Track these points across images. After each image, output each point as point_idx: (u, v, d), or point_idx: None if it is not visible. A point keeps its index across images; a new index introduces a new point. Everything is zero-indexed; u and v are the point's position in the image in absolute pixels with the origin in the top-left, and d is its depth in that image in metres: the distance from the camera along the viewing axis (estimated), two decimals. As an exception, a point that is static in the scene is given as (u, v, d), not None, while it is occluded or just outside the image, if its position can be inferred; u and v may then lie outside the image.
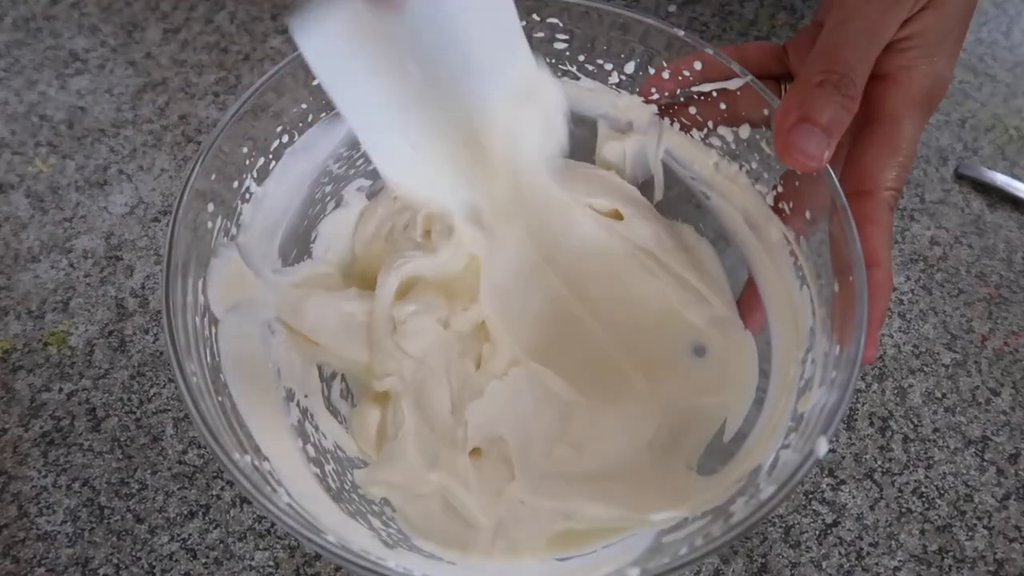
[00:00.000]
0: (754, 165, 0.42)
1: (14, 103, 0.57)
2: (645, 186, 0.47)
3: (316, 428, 0.41)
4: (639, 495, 0.39)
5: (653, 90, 0.44)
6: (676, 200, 0.46)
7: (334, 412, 0.42)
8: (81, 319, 0.49)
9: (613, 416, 0.41)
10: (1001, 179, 0.56)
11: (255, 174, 0.41)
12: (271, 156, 0.42)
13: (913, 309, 0.51)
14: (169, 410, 0.46)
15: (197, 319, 0.37)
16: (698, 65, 0.42)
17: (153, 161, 0.55)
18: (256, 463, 0.34)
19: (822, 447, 0.33)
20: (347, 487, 0.40)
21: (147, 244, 0.52)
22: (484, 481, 0.40)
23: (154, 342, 0.48)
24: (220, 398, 0.35)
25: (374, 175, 0.46)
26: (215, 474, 0.44)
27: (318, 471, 0.39)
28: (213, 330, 0.38)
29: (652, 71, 0.43)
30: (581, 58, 0.45)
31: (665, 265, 0.44)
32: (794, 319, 0.40)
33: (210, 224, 0.38)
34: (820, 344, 0.37)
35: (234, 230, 0.40)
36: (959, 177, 0.57)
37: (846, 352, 0.35)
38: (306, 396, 0.42)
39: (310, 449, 0.39)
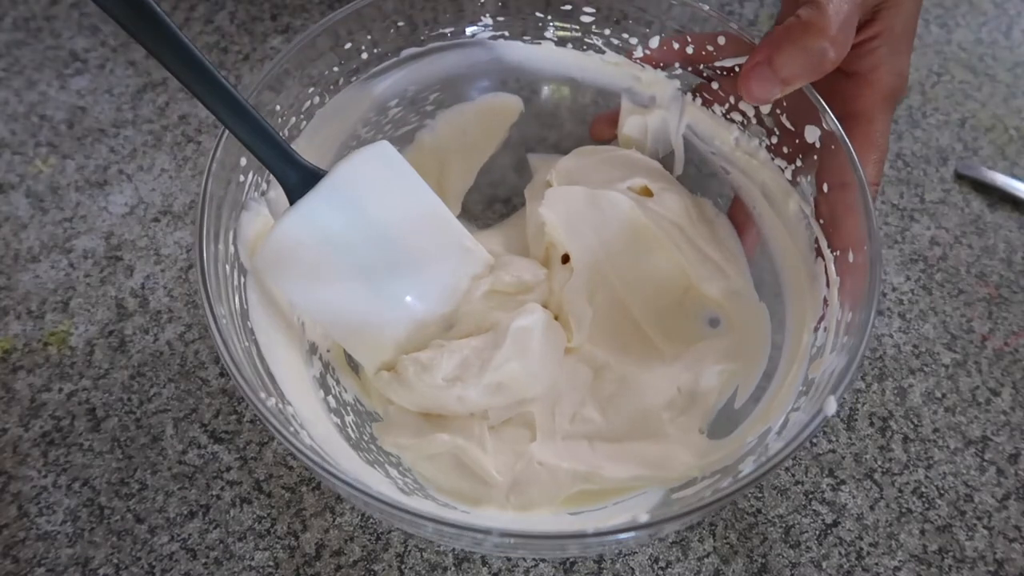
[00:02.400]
0: (773, 140, 0.43)
1: (14, 103, 0.57)
2: (665, 160, 0.48)
3: (337, 382, 0.42)
4: (655, 455, 0.40)
5: (666, 62, 0.45)
6: (696, 174, 0.47)
7: (355, 368, 0.43)
8: (81, 319, 0.49)
9: (638, 378, 0.43)
10: (1001, 179, 0.56)
11: (286, 133, 0.42)
12: (302, 116, 0.43)
13: (913, 309, 0.51)
14: (169, 410, 0.46)
15: (227, 267, 0.38)
16: (722, 40, 0.43)
17: (153, 161, 0.55)
18: (280, 406, 0.35)
19: (831, 406, 0.33)
20: (366, 438, 0.41)
21: (147, 244, 0.52)
22: (502, 443, 0.41)
23: (154, 342, 0.48)
24: (246, 343, 0.36)
25: (401, 141, 0.47)
26: (215, 474, 0.44)
27: (338, 421, 0.40)
28: (242, 279, 0.39)
29: (676, 45, 0.44)
30: (606, 31, 0.45)
31: (690, 238, 0.45)
32: (809, 290, 0.41)
33: (242, 178, 0.39)
34: (833, 313, 0.38)
35: (264, 185, 0.41)
36: (959, 177, 0.57)
37: (858, 318, 0.36)
38: (328, 351, 0.43)
39: (331, 400, 0.41)
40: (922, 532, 0.44)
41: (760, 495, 0.45)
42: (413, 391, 0.41)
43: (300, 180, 0.38)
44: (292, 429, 0.34)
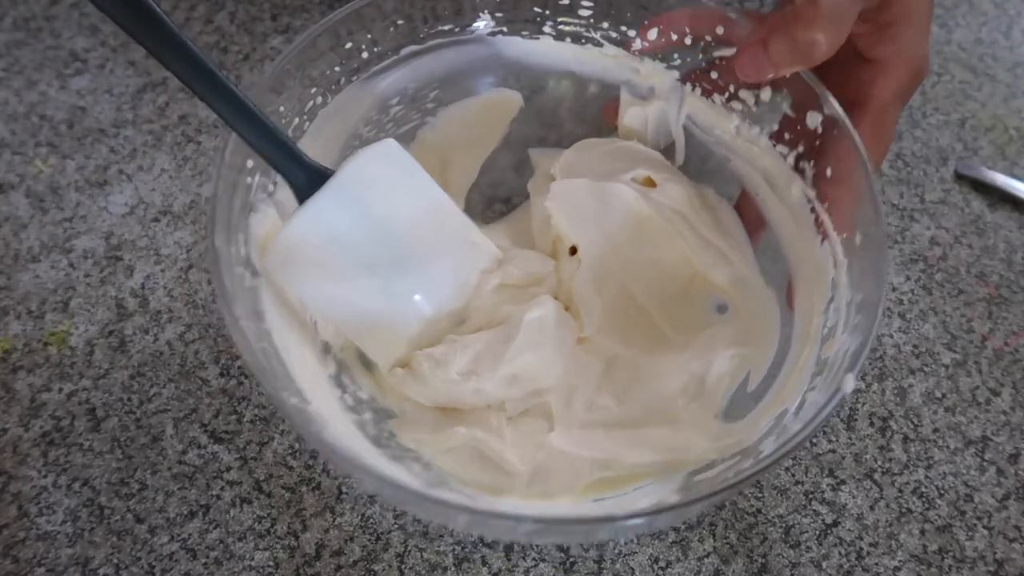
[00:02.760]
0: (775, 127, 0.43)
1: (14, 103, 0.57)
2: (667, 151, 0.48)
3: (352, 380, 0.42)
4: (673, 440, 0.40)
5: (655, 32, 0.45)
6: (698, 163, 0.48)
7: (368, 366, 0.44)
8: (81, 319, 0.49)
9: (650, 366, 0.43)
10: (1001, 179, 0.56)
11: (290, 133, 0.42)
12: (305, 116, 0.43)
13: (913, 309, 0.51)
14: (169, 410, 0.46)
15: (239, 269, 0.38)
16: (720, 30, 0.43)
17: (153, 161, 0.55)
18: (301, 405, 0.35)
19: (849, 383, 0.34)
20: (384, 435, 0.41)
21: (147, 244, 0.52)
22: (520, 434, 0.41)
23: (154, 342, 0.48)
24: (264, 344, 0.37)
25: (404, 138, 0.48)
26: (215, 474, 0.44)
27: (356, 419, 0.40)
28: (255, 281, 0.39)
29: (675, 36, 0.44)
30: (604, 25, 0.45)
31: (694, 227, 0.45)
32: (816, 273, 0.41)
33: (249, 180, 0.40)
34: (843, 294, 0.39)
35: (271, 187, 0.41)
36: (959, 177, 0.57)
37: (868, 297, 0.36)
38: (342, 349, 0.43)
39: (347, 398, 0.41)
40: (922, 532, 0.44)
41: (760, 495, 0.45)
42: (428, 386, 0.41)
43: (308, 180, 0.38)
44: (315, 428, 0.34)
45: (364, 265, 0.40)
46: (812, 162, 0.42)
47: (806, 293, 0.42)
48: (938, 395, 0.48)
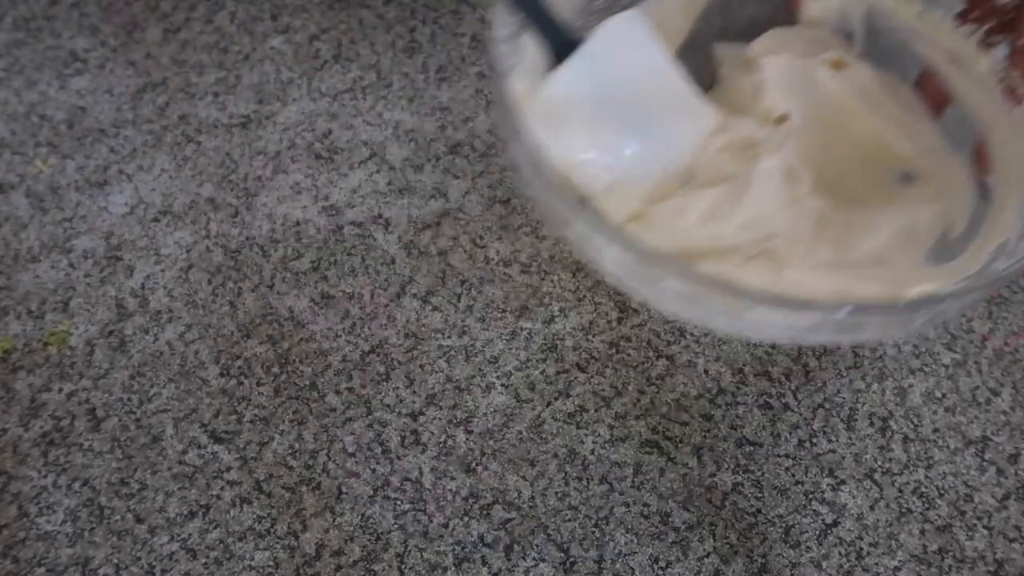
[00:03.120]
0: (960, 8, 0.45)
1: (14, 103, 0.57)
2: (850, 38, 0.50)
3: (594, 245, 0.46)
4: (895, 278, 0.43)
5: None
6: (878, 48, 0.50)
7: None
8: (81, 319, 0.49)
9: (856, 222, 0.46)
10: (1002, 178, 0.56)
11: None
12: None
13: (913, 309, 0.51)
14: (169, 410, 0.46)
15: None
16: None
17: (153, 161, 0.55)
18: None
19: None
20: None
21: (147, 244, 0.52)
22: (756, 274, 0.44)
23: (154, 342, 0.48)
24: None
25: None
26: (215, 474, 0.44)
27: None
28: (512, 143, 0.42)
29: None
30: None
31: (881, 105, 0.48)
32: (1012, 132, 0.43)
33: (503, 48, 0.43)
34: None
35: (522, 53, 0.45)
36: (959, 177, 0.57)
37: None
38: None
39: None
40: (922, 532, 0.44)
41: (760, 495, 0.45)
42: (665, 234, 0.44)
43: (563, 45, 0.43)
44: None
45: (607, 123, 0.44)
46: (1003, 35, 0.43)
47: (1001, 151, 0.44)
48: (938, 395, 0.48)
